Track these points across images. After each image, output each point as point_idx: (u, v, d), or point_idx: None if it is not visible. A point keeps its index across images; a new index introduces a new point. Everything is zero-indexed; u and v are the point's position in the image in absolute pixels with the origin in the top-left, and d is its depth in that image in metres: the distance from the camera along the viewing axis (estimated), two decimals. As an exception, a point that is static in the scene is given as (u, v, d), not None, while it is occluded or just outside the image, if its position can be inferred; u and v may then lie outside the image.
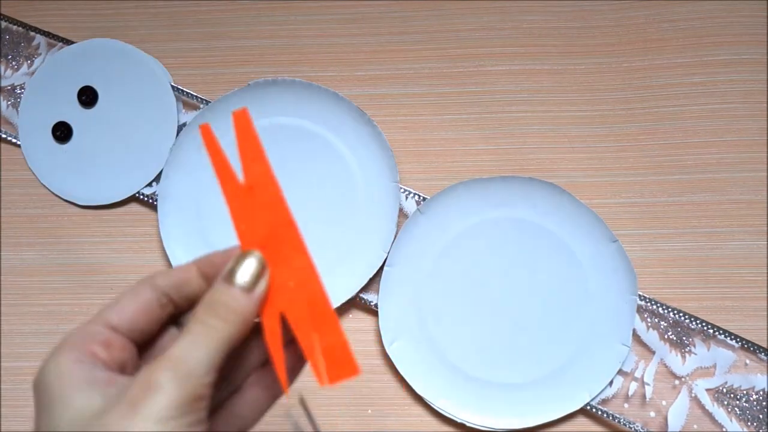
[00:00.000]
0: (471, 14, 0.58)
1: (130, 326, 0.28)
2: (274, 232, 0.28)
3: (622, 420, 0.49)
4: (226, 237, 0.54)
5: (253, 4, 0.59)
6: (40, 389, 0.26)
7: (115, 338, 0.28)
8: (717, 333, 0.50)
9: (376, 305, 0.52)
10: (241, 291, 0.27)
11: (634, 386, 0.50)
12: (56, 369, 0.26)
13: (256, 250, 0.28)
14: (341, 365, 0.26)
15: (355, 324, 0.53)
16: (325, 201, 0.54)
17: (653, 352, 0.51)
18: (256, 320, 0.28)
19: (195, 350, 0.25)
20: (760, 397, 0.49)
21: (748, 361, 0.50)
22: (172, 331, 0.30)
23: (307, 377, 0.29)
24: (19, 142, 0.58)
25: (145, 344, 0.29)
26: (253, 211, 0.28)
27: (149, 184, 0.56)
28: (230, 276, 0.27)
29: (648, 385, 0.50)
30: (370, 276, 0.52)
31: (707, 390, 0.50)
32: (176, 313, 0.30)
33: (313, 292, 0.28)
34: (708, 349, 0.50)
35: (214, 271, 0.29)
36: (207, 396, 0.25)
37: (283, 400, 0.31)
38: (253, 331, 0.29)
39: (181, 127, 0.56)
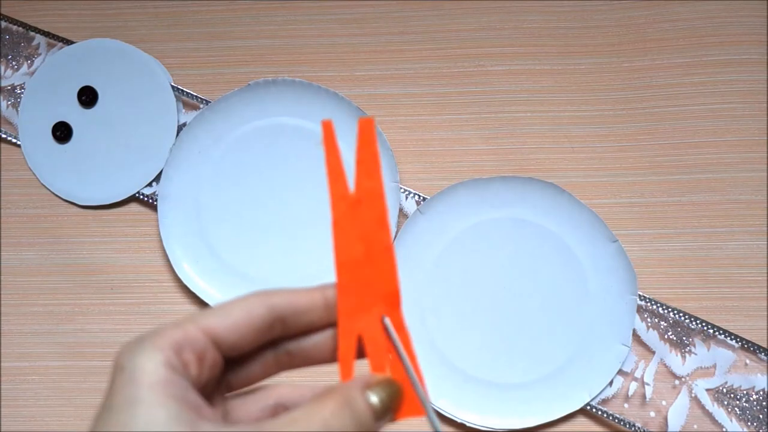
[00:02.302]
0: (471, 14, 0.58)
1: (232, 341, 0.25)
2: (371, 252, 0.27)
3: (622, 420, 0.49)
4: (226, 237, 0.54)
5: (253, 4, 0.59)
6: (124, 376, 0.23)
7: (211, 351, 0.24)
8: (717, 333, 0.50)
9: (376, 305, 0.52)
10: (373, 414, 0.24)
11: (634, 386, 0.50)
12: (148, 364, 0.23)
13: (398, 383, 0.25)
14: (408, 402, 0.25)
15: (355, 324, 0.53)
16: (325, 200, 0.54)
17: (653, 352, 0.51)
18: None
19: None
20: (760, 397, 0.49)
21: (748, 361, 0.50)
22: (267, 356, 0.27)
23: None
24: (19, 142, 0.58)
25: (233, 363, 0.27)
26: (355, 225, 0.27)
27: (149, 184, 0.56)
28: (369, 387, 0.25)
29: (648, 385, 0.50)
30: (370, 276, 0.52)
31: (707, 390, 0.50)
32: (281, 340, 0.27)
33: (395, 323, 0.26)
34: (708, 349, 0.50)
35: None
36: None
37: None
38: None
39: (181, 127, 0.56)
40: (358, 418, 0.24)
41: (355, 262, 0.26)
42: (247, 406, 0.27)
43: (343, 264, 0.27)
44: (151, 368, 0.22)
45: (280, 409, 0.27)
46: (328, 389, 0.24)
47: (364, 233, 0.26)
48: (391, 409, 0.25)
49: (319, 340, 0.27)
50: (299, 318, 0.26)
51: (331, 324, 0.27)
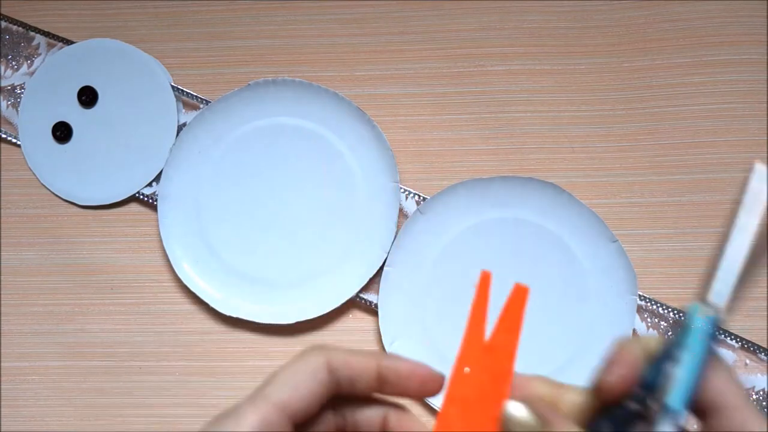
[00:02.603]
0: (471, 14, 0.58)
1: (300, 410, 0.25)
2: (484, 396, 0.27)
3: (622, 420, 0.49)
4: (226, 237, 0.54)
5: (253, 4, 0.59)
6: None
7: (286, 426, 0.25)
8: (717, 333, 0.50)
9: (376, 305, 0.52)
10: None
11: (634, 386, 0.50)
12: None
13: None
14: None
15: (355, 324, 0.53)
16: (325, 201, 0.54)
17: (653, 352, 0.51)
18: None
19: None
20: (760, 397, 0.49)
21: (748, 361, 0.50)
22: (329, 418, 0.27)
23: None
24: (19, 142, 0.58)
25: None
26: (479, 367, 0.28)
27: (149, 184, 0.56)
28: None
29: (648, 385, 0.50)
30: (370, 276, 0.52)
31: (707, 390, 0.50)
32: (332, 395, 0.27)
33: None
34: (708, 349, 0.50)
35: (395, 380, 0.27)
36: None
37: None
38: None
39: (181, 127, 0.56)
40: None
41: (466, 398, 0.27)
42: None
43: (452, 396, 0.27)
44: None
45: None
46: None
47: (486, 377, 0.27)
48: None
49: (372, 414, 0.28)
50: (353, 382, 0.26)
51: (377, 392, 0.27)
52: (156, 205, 0.55)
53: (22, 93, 0.59)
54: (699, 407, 0.24)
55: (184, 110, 0.58)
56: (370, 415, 0.27)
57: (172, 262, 0.54)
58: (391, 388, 0.27)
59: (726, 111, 0.55)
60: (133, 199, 0.57)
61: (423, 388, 0.27)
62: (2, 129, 0.58)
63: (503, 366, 0.27)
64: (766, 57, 0.56)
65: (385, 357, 0.27)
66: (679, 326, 0.25)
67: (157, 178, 0.56)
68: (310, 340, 0.53)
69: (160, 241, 0.54)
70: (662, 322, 0.51)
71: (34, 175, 0.57)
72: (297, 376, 0.25)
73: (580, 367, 0.50)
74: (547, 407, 0.27)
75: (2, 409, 0.53)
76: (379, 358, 0.27)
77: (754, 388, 0.50)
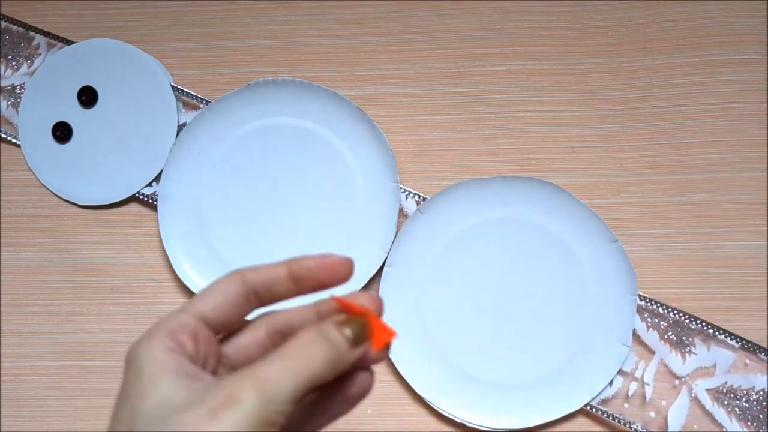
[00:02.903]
0: (471, 14, 0.58)
1: (217, 318, 0.29)
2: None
3: (622, 420, 0.49)
4: (226, 237, 0.54)
5: (253, 4, 0.59)
6: (133, 366, 0.27)
7: (202, 330, 0.28)
8: (717, 333, 0.50)
9: (376, 305, 0.52)
10: (348, 342, 0.28)
11: (634, 386, 0.50)
12: (148, 353, 0.27)
13: (368, 316, 0.29)
14: (378, 334, 0.29)
15: (355, 324, 0.53)
16: (325, 201, 0.54)
17: (653, 352, 0.51)
18: None
19: (284, 378, 0.26)
20: (760, 397, 0.49)
21: (748, 361, 0.50)
22: (258, 328, 0.31)
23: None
24: (19, 142, 0.58)
25: (225, 337, 0.31)
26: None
27: (149, 184, 0.56)
28: (343, 325, 0.28)
29: (648, 385, 0.50)
30: (370, 276, 0.52)
31: (707, 390, 0.50)
32: (258, 308, 0.31)
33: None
34: (708, 349, 0.50)
35: (305, 274, 0.29)
36: (279, 423, 0.26)
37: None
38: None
39: (181, 127, 0.56)
40: (336, 346, 0.27)
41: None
42: (247, 351, 0.30)
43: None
44: (151, 355, 0.27)
45: (277, 338, 0.30)
46: (305, 328, 0.28)
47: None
48: (363, 338, 0.28)
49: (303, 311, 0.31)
50: (270, 289, 0.30)
51: (298, 293, 0.30)
52: (156, 205, 0.55)
53: (22, 93, 0.59)
54: None
55: (184, 110, 0.58)
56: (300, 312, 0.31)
57: (172, 262, 0.54)
58: (307, 284, 0.29)
59: (726, 111, 0.55)
60: (133, 199, 0.57)
61: (335, 274, 0.29)
62: (2, 129, 0.58)
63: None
64: (766, 57, 0.56)
65: (293, 259, 0.30)
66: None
67: (157, 178, 0.56)
68: (310, 340, 0.53)
69: (160, 241, 0.54)
70: (662, 322, 0.51)
71: (34, 175, 0.57)
72: (209, 290, 0.29)
73: (580, 367, 0.50)
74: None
75: (2, 409, 0.53)
76: (287, 262, 0.30)
77: (754, 388, 0.50)
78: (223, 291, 0.29)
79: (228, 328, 0.30)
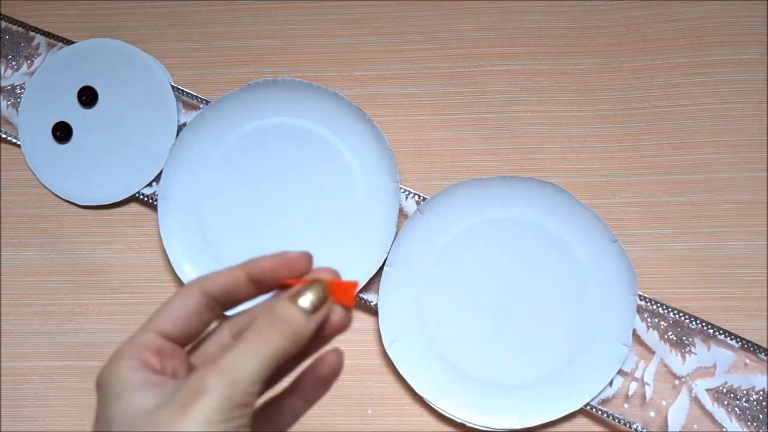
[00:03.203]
0: (471, 14, 0.58)
1: (180, 331, 0.29)
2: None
3: (622, 420, 0.49)
4: (226, 236, 0.54)
5: (253, 4, 0.59)
6: (101, 389, 0.28)
7: (166, 346, 0.29)
8: (717, 333, 0.50)
9: (376, 305, 0.52)
10: (303, 312, 0.28)
11: (634, 386, 0.50)
12: (115, 373, 0.28)
13: (323, 279, 0.29)
14: (339, 291, 0.30)
15: (355, 324, 0.53)
16: (325, 201, 0.54)
17: (653, 352, 0.51)
18: None
19: (247, 360, 0.26)
20: (760, 397, 0.49)
21: (748, 361, 0.50)
22: (222, 332, 0.32)
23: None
24: (19, 142, 0.58)
25: (194, 345, 0.31)
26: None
27: (149, 184, 0.56)
28: (295, 297, 0.28)
29: (648, 385, 0.50)
30: (370, 276, 0.52)
31: (707, 390, 0.50)
32: (221, 313, 0.31)
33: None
34: (708, 349, 0.50)
35: (263, 275, 0.29)
36: (252, 403, 0.26)
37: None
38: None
39: (181, 127, 0.56)
40: (290, 319, 0.28)
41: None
42: (214, 357, 0.30)
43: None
44: (118, 374, 0.27)
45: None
46: (260, 314, 0.29)
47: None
48: (320, 302, 0.28)
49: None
50: (229, 295, 0.30)
51: (260, 293, 0.30)
52: (156, 205, 0.55)
53: (22, 93, 0.59)
54: None
55: (184, 110, 0.58)
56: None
57: (172, 262, 0.54)
58: (266, 284, 0.30)
59: (726, 111, 0.55)
60: (133, 199, 0.57)
61: (293, 270, 0.30)
62: (2, 129, 0.58)
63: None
64: (766, 57, 0.56)
65: (250, 261, 0.30)
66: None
67: (157, 178, 0.56)
68: (310, 340, 0.53)
69: (160, 241, 0.54)
70: (662, 322, 0.51)
71: (34, 175, 0.57)
72: (170, 304, 0.29)
73: (580, 367, 0.50)
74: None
75: (2, 409, 0.53)
76: (244, 265, 0.30)
77: (754, 388, 0.50)
78: (182, 304, 0.29)
79: (193, 339, 0.30)
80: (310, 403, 0.32)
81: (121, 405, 0.27)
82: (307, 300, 0.28)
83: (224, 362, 0.26)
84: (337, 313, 0.30)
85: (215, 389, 0.25)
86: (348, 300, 0.30)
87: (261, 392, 0.27)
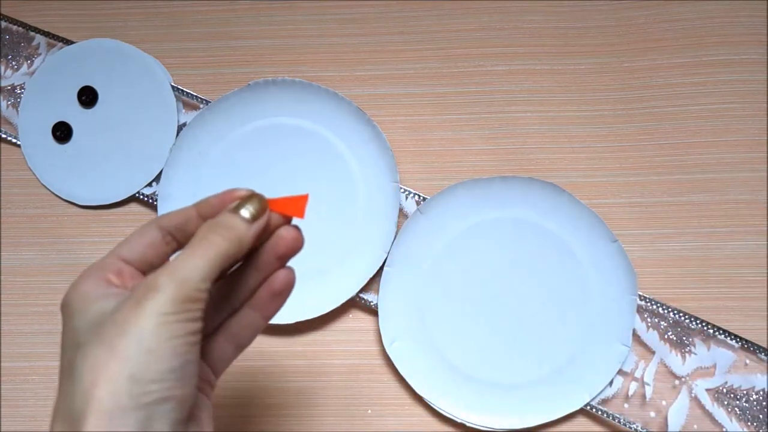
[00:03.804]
0: (471, 14, 0.58)
1: (139, 259, 0.33)
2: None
3: (622, 420, 0.49)
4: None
5: (253, 4, 0.59)
6: (65, 307, 0.31)
7: (126, 268, 0.33)
8: (717, 333, 0.50)
9: (376, 305, 0.52)
10: (242, 220, 0.32)
11: (634, 386, 0.50)
12: (76, 291, 0.31)
13: (261, 194, 0.33)
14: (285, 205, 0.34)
15: (355, 324, 0.53)
16: (325, 201, 0.54)
17: (653, 352, 0.51)
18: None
19: (192, 260, 0.30)
20: (760, 397, 0.49)
21: (748, 361, 0.50)
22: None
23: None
24: (19, 142, 0.58)
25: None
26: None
27: (149, 184, 0.56)
28: (236, 209, 0.32)
29: (648, 385, 0.50)
30: (370, 276, 0.52)
31: (707, 390, 0.50)
32: (178, 249, 0.35)
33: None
34: (708, 349, 0.50)
35: (211, 211, 0.33)
36: (201, 299, 0.30)
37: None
38: (249, 261, 0.34)
39: (181, 127, 0.56)
40: (231, 226, 0.31)
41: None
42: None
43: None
44: (79, 291, 0.31)
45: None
46: (204, 223, 0.32)
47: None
48: (259, 212, 0.33)
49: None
50: (183, 229, 0.34)
51: None
52: (156, 205, 0.55)
53: (22, 93, 0.59)
54: None
55: (184, 110, 0.58)
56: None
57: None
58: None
59: (726, 111, 0.55)
60: (133, 199, 0.57)
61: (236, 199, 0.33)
62: (2, 129, 0.58)
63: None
64: (766, 57, 0.56)
65: (200, 200, 0.34)
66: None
67: (157, 178, 0.56)
68: (310, 340, 0.53)
69: (160, 241, 0.54)
70: (662, 322, 0.51)
71: (34, 175, 0.57)
72: (132, 236, 0.34)
73: (580, 367, 0.50)
74: None
75: (2, 409, 0.53)
76: (195, 204, 0.34)
77: (754, 388, 0.50)
78: (141, 235, 0.34)
79: (153, 267, 0.34)
80: (266, 317, 0.35)
81: (84, 316, 0.30)
82: (246, 211, 0.32)
83: (174, 264, 0.30)
84: (287, 231, 0.34)
85: (166, 286, 0.29)
86: (299, 212, 0.33)
87: (210, 290, 0.30)
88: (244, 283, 0.35)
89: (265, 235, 0.34)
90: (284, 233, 0.34)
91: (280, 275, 0.34)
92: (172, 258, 0.32)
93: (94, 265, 0.32)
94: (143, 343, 0.28)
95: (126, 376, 0.28)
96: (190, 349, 0.29)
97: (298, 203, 0.34)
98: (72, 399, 0.28)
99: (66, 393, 0.29)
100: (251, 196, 0.33)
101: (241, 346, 0.36)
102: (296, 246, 0.34)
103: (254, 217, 0.32)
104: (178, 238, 0.34)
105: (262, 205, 0.33)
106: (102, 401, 0.27)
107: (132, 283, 0.32)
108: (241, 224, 0.32)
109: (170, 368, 0.28)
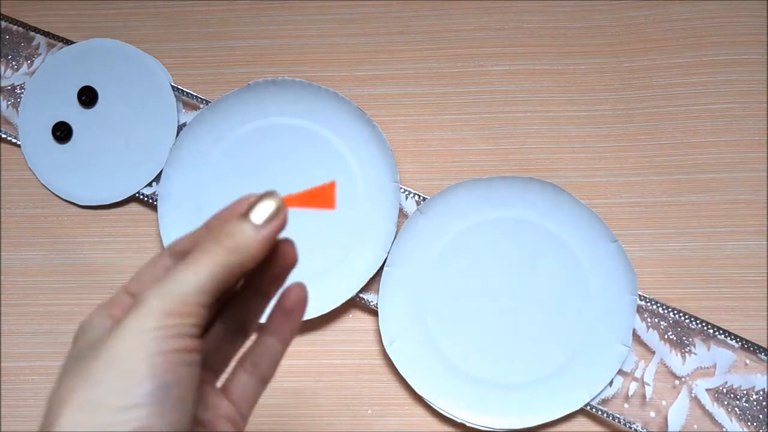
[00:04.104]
0: (471, 14, 0.58)
1: None
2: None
3: (622, 420, 0.49)
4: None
5: (253, 4, 0.59)
6: (74, 338, 0.30)
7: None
8: (717, 333, 0.50)
9: (376, 305, 0.52)
10: (251, 225, 0.28)
11: (634, 386, 0.50)
12: (82, 327, 0.30)
13: (277, 193, 0.29)
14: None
15: (355, 324, 0.53)
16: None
17: (653, 352, 0.51)
18: None
19: (184, 272, 0.27)
20: (760, 397, 0.49)
21: (748, 361, 0.50)
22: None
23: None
24: (19, 142, 0.58)
25: None
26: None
27: (149, 184, 0.56)
28: (246, 212, 0.28)
29: (648, 385, 0.50)
30: (370, 276, 0.52)
31: (707, 390, 0.50)
32: None
33: None
34: (708, 349, 0.50)
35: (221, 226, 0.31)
36: (194, 314, 0.26)
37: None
38: (249, 282, 0.31)
39: (181, 127, 0.56)
40: (234, 233, 0.28)
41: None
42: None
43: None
44: (90, 324, 0.29)
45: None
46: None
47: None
48: (274, 213, 0.28)
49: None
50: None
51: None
52: (156, 205, 0.55)
53: (22, 93, 0.59)
54: None
55: (184, 110, 0.58)
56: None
57: (172, 262, 0.54)
58: None
59: (726, 111, 0.55)
60: (133, 199, 0.57)
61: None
62: (2, 129, 0.58)
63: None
64: (766, 57, 0.56)
65: (210, 218, 0.31)
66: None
67: (157, 178, 0.56)
68: (311, 340, 0.53)
69: (160, 241, 0.54)
70: (662, 322, 0.51)
71: (34, 175, 0.57)
72: (142, 268, 0.31)
73: (580, 367, 0.50)
74: None
75: (2, 409, 0.53)
76: (205, 222, 0.31)
77: (754, 388, 0.50)
78: (152, 266, 0.30)
79: None
80: (284, 341, 0.32)
81: (84, 339, 0.28)
82: (259, 213, 0.28)
83: (164, 279, 0.27)
84: (284, 244, 0.31)
85: (150, 300, 0.26)
86: (329, 203, 0.29)
87: (209, 305, 0.27)
88: (250, 307, 0.32)
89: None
90: (294, 288, 0.32)
91: (291, 292, 0.31)
92: None
93: (105, 301, 0.31)
94: (118, 364, 0.25)
95: (90, 403, 0.25)
96: (176, 369, 0.25)
97: (326, 194, 0.29)
98: (42, 427, 0.26)
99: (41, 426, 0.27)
100: (264, 196, 0.29)
101: (264, 379, 0.32)
102: (304, 299, 0.32)
103: (266, 220, 0.28)
104: None
105: (277, 204, 0.29)
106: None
107: None
108: (246, 230, 0.28)
109: (149, 391, 0.24)
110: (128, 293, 0.30)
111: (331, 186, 0.29)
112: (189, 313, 0.26)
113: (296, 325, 0.32)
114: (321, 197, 0.29)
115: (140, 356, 0.25)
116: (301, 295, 0.31)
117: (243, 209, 0.29)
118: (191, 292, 0.26)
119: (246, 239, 0.28)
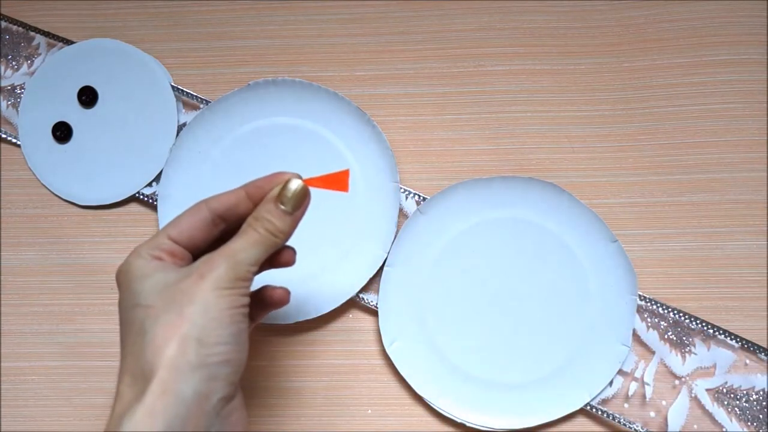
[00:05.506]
0: (471, 14, 0.58)
1: (188, 239, 0.37)
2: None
3: (622, 420, 0.49)
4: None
5: (253, 4, 0.59)
6: (123, 274, 0.35)
7: (177, 248, 0.36)
8: (717, 333, 0.50)
9: (376, 305, 0.52)
10: (284, 212, 0.36)
11: (634, 386, 0.50)
12: (134, 262, 0.35)
13: (300, 178, 0.36)
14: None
15: (355, 324, 0.53)
16: (324, 200, 0.54)
17: (653, 352, 0.51)
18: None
19: (245, 247, 0.35)
20: (760, 397, 0.49)
21: (748, 361, 0.50)
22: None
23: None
24: (19, 142, 0.58)
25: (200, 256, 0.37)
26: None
27: (149, 184, 0.56)
28: (277, 198, 0.36)
29: (648, 385, 0.50)
30: (370, 276, 0.52)
31: (707, 390, 0.50)
32: (227, 231, 0.38)
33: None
34: (708, 349, 0.50)
35: (260, 193, 0.37)
36: (249, 278, 0.35)
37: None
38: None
39: (181, 127, 0.56)
40: (271, 222, 0.36)
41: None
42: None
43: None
44: (137, 263, 0.35)
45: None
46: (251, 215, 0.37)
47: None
48: (299, 200, 0.36)
49: None
50: (232, 212, 0.37)
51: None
52: (156, 205, 0.55)
53: (22, 93, 0.59)
54: None
55: (184, 110, 0.58)
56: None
57: (172, 262, 0.54)
58: (262, 199, 0.37)
59: (726, 111, 0.55)
60: (133, 199, 0.57)
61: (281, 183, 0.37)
62: (2, 129, 0.58)
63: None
64: (766, 57, 0.56)
65: (248, 183, 0.38)
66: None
67: (157, 178, 0.56)
68: (310, 340, 0.53)
69: (160, 241, 0.54)
70: (662, 322, 0.51)
71: (34, 175, 0.57)
72: (182, 217, 0.37)
73: (580, 367, 0.50)
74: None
75: (2, 409, 0.53)
76: (244, 186, 0.38)
77: (754, 388, 0.50)
78: (190, 217, 0.37)
79: (198, 249, 0.38)
80: (253, 319, 0.41)
81: (146, 281, 0.34)
82: (288, 203, 0.36)
83: (229, 248, 0.35)
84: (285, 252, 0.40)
85: (224, 265, 0.34)
86: (343, 187, 0.37)
87: (257, 272, 0.36)
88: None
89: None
90: (279, 290, 0.42)
91: (278, 292, 0.42)
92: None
93: (146, 243, 0.36)
94: (208, 310, 0.33)
95: (194, 337, 0.32)
96: (243, 318, 0.34)
97: (341, 179, 0.37)
98: (142, 356, 0.32)
99: (135, 351, 0.33)
100: (289, 182, 0.36)
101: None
102: (284, 302, 0.42)
103: (294, 206, 0.36)
104: (228, 218, 0.37)
105: (303, 192, 0.36)
106: (172, 358, 0.31)
107: (182, 263, 0.36)
108: (282, 217, 0.36)
109: (230, 333, 0.33)
110: (169, 238, 0.36)
111: (346, 173, 0.37)
112: (247, 278, 0.35)
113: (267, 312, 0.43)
114: (336, 181, 0.36)
115: (223, 307, 0.33)
116: (283, 299, 0.43)
117: (275, 191, 0.36)
118: (251, 263, 0.35)
119: (282, 225, 0.36)
